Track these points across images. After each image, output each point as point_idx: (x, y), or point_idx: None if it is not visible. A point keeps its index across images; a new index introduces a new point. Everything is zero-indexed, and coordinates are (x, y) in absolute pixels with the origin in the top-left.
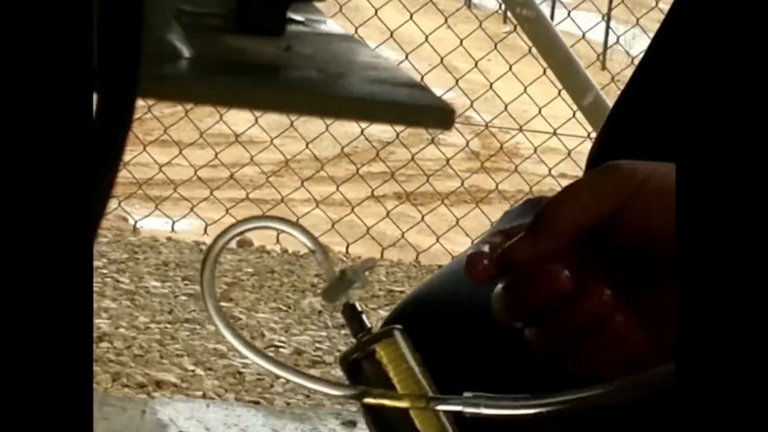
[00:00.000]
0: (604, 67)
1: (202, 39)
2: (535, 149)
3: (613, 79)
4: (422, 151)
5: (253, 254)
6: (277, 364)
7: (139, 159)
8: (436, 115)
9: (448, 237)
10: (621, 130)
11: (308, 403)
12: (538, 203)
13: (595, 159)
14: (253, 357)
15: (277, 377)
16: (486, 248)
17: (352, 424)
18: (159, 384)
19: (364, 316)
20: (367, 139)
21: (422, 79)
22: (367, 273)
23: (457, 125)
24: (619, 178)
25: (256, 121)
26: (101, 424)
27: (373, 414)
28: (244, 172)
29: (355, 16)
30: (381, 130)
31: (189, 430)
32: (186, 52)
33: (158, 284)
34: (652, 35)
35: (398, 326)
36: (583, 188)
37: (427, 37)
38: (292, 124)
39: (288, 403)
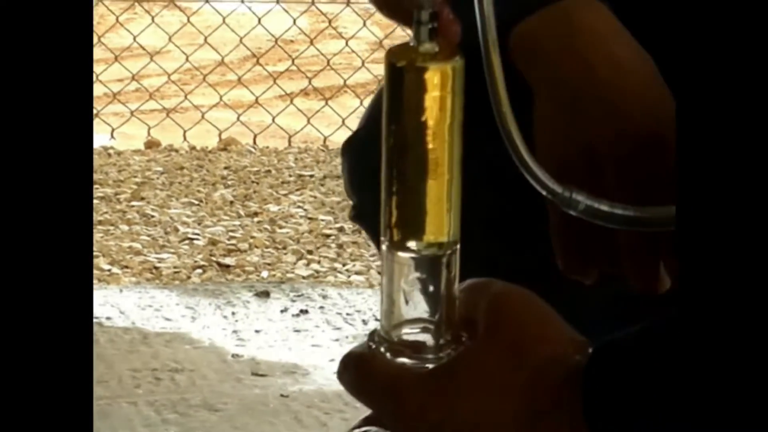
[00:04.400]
0: None
1: None
2: None
3: None
4: (327, 45)
5: (161, 153)
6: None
7: None
8: None
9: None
10: None
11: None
12: None
13: None
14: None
15: (194, 268)
16: None
17: (266, 294)
18: None
19: (433, 30)
20: (270, 33)
21: None
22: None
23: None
24: None
25: (153, 20)
26: None
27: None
28: (150, 83)
29: None
30: (282, 28)
31: (103, 316)
32: None
33: None
34: None
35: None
36: None
37: None
38: (189, 19)
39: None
